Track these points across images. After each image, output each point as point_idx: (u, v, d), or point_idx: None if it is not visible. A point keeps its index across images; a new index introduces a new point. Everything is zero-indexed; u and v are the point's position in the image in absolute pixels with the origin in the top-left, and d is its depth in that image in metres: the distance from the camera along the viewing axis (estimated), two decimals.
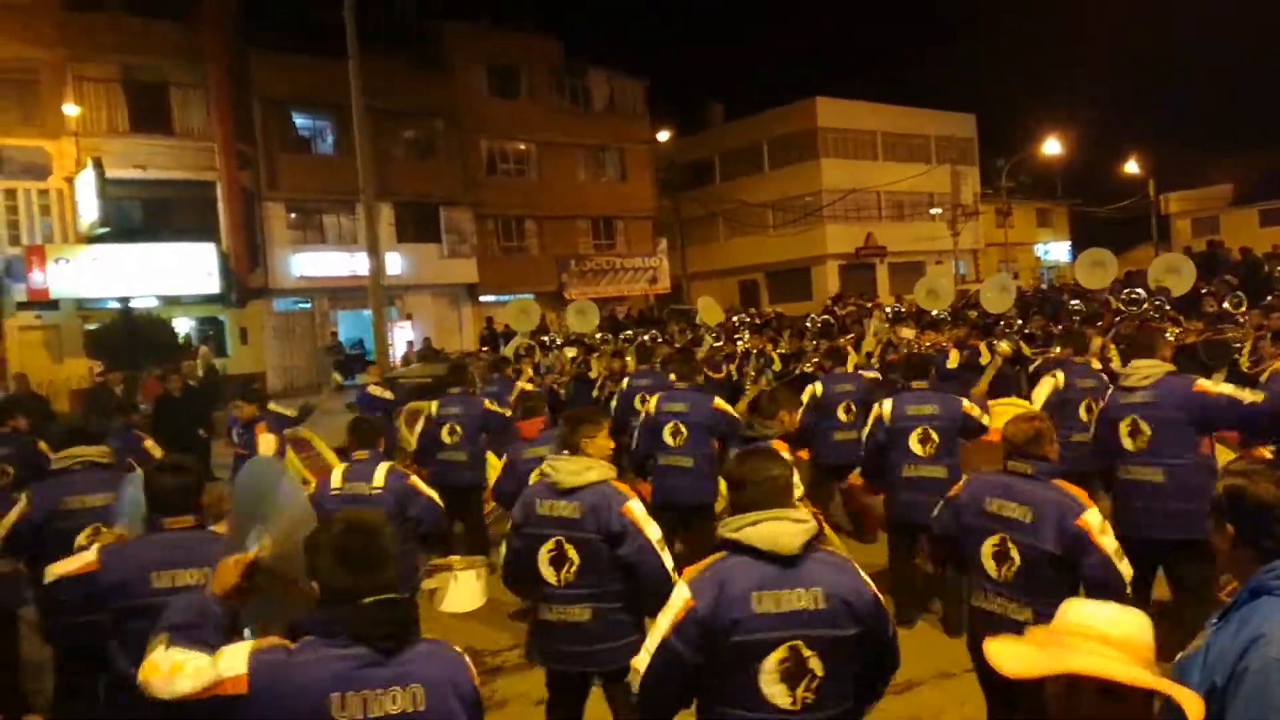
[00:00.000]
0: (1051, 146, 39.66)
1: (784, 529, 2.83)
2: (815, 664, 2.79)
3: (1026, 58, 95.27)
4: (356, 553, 2.31)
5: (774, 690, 2.78)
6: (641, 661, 2.85)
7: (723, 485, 6.36)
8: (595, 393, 12.18)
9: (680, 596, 2.83)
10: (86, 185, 23.07)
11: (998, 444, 4.25)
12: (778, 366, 12.66)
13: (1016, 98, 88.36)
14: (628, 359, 12.17)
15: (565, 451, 4.22)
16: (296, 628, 2.32)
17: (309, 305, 28.91)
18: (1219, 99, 77.36)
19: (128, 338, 22.25)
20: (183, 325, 26.07)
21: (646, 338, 15.37)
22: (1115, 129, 65.19)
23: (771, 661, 2.77)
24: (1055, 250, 50.49)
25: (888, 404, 6.62)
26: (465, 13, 32.44)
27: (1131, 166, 43.92)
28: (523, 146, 33.75)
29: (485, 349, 22.26)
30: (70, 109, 23.99)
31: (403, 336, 29.42)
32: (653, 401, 7.61)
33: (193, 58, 25.72)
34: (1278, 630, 2.02)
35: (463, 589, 5.42)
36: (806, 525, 2.87)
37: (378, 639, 2.26)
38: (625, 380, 9.89)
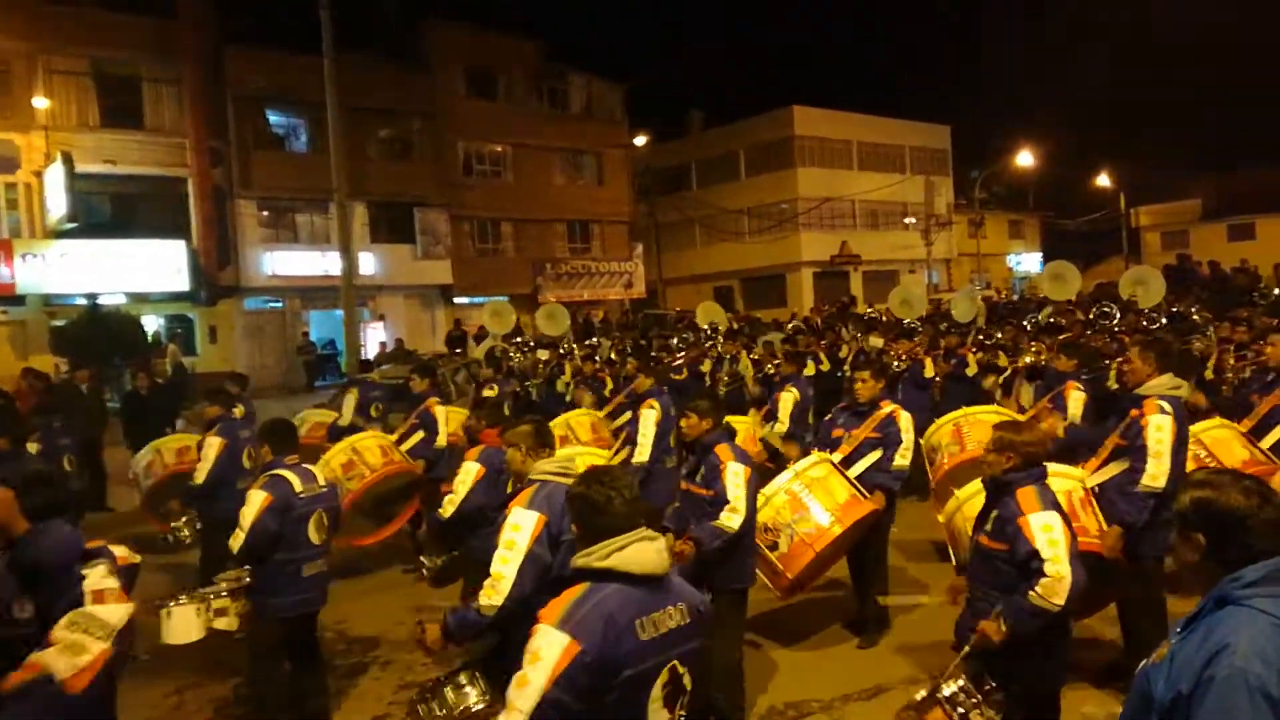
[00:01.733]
0: (1024, 159, 40.16)
1: (654, 549, 2.70)
2: (687, 680, 2.71)
3: (1001, 71, 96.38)
4: None
5: (659, 717, 2.66)
6: None
7: None
8: (569, 396, 12.18)
9: (556, 643, 2.50)
10: (55, 179, 22.78)
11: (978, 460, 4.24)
12: (750, 372, 12.66)
13: (991, 110, 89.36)
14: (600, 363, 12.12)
15: (546, 451, 4.17)
16: None
17: (280, 304, 28.64)
18: (1191, 115, 78.60)
19: (95, 335, 21.95)
20: (151, 323, 25.76)
21: (614, 353, 15.26)
22: (1088, 143, 66.24)
23: (657, 688, 2.64)
24: (1027, 261, 51.02)
25: None
26: (445, 13, 32.31)
27: (1103, 180, 44.53)
28: (499, 148, 33.64)
29: (458, 351, 22.21)
30: (40, 102, 23.68)
31: (375, 337, 29.23)
32: (658, 408, 7.78)
33: (166, 52, 25.47)
34: (1243, 640, 2.03)
35: (177, 623, 4.96)
36: (662, 539, 2.78)
37: None
38: (657, 408, 8.21)
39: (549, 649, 2.50)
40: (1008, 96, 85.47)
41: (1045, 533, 3.77)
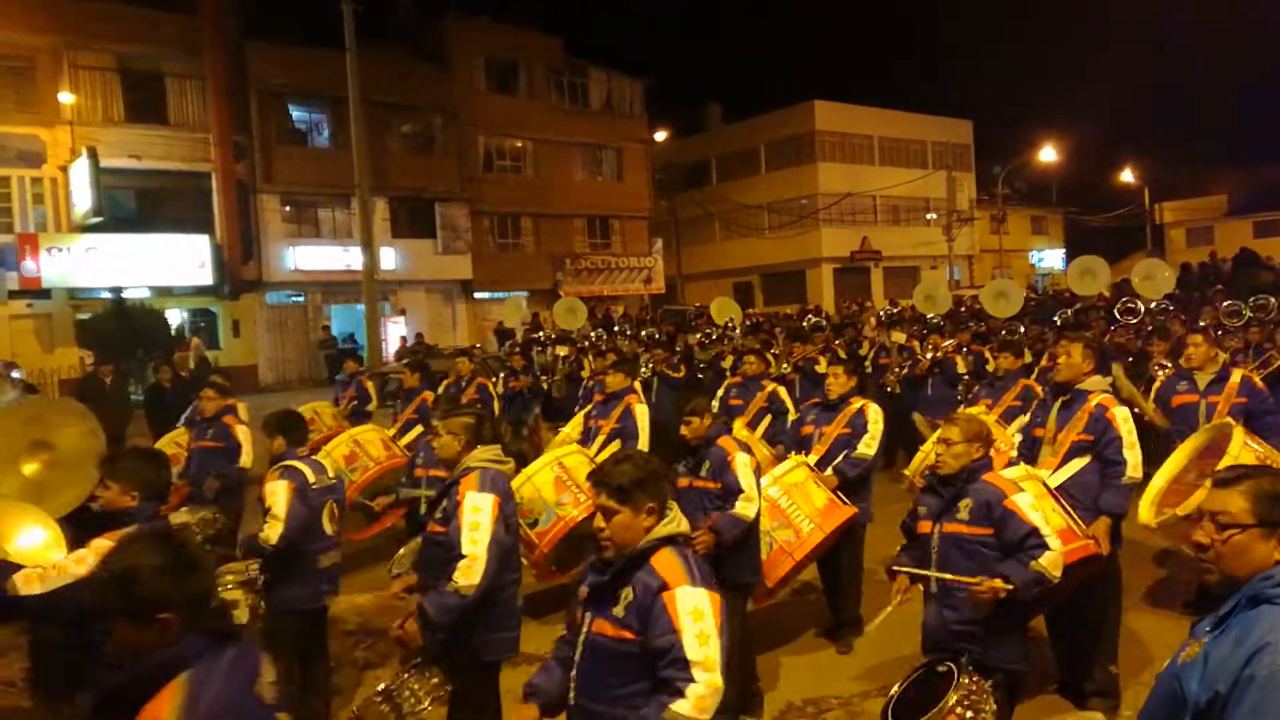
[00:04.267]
0: (1047, 154, 39.79)
1: None
2: None
3: (1024, 65, 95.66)
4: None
5: None
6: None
7: None
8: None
9: (708, 598, 2.79)
10: (80, 174, 23.00)
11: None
12: (774, 369, 12.58)
13: (1013, 105, 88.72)
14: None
15: (480, 445, 4.27)
16: None
17: (302, 299, 28.81)
18: (1215, 110, 77.74)
19: (119, 328, 22.15)
20: (175, 317, 25.99)
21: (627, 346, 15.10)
22: (1111, 138, 65.40)
23: None
24: (1050, 257, 50.65)
25: None
26: (466, 7, 32.40)
27: (1127, 176, 44.06)
28: (520, 143, 33.68)
29: (476, 346, 22.26)
30: (65, 97, 23.90)
31: (396, 332, 29.35)
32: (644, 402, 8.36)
33: (189, 48, 25.64)
34: None
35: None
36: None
37: None
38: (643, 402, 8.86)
39: (707, 603, 2.75)
40: (1031, 91, 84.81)
41: (1036, 510, 3.86)
